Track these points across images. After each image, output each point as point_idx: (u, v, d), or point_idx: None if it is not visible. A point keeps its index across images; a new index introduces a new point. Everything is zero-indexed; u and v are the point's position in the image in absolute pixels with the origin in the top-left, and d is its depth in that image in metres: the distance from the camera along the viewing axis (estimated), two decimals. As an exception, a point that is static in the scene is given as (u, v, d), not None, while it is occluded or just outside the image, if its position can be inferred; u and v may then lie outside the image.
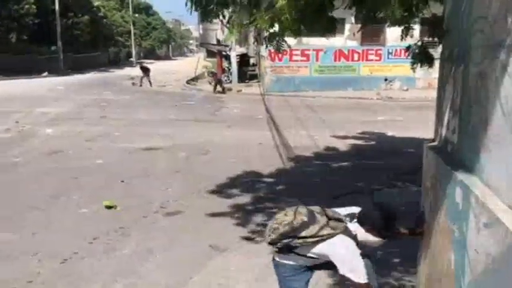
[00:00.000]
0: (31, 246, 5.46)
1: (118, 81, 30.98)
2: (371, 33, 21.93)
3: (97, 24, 46.55)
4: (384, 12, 3.69)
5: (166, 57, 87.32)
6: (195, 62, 38.15)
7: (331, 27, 4.66)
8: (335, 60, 23.79)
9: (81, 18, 42.07)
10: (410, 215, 3.66)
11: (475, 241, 2.41)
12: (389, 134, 12.58)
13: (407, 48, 4.25)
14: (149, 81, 27.41)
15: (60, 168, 9.00)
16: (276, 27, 3.88)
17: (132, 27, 63.52)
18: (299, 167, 9.25)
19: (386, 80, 23.66)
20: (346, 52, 23.60)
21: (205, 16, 4.42)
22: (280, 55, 23.15)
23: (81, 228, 6.05)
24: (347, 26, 21.93)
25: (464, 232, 2.58)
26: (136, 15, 71.32)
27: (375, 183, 8.12)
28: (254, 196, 7.26)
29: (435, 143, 3.72)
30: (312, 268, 3.48)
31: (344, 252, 3.18)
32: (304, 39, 22.27)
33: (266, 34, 4.25)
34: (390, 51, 22.88)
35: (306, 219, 3.25)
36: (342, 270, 3.18)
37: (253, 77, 28.23)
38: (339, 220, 3.31)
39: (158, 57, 78.52)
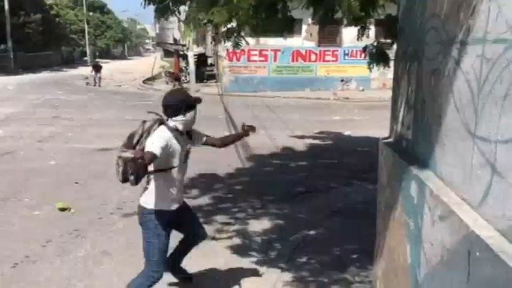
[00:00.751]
0: (-21, 251, 5.21)
1: (71, 80, 30.15)
2: (328, 34, 22.28)
3: (49, 22, 45.22)
4: (341, 9, 3.73)
5: (122, 57, 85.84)
6: (151, 62, 37.55)
7: (287, 26, 4.67)
8: (293, 60, 23.99)
9: (33, 17, 40.71)
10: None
11: (430, 234, 2.47)
12: (346, 133, 12.78)
13: (364, 48, 4.33)
14: (99, 79, 26.57)
15: (10, 170, 8.66)
16: (233, 23, 3.86)
17: (86, 26, 62.04)
18: (258, 166, 9.26)
19: (342, 80, 24.06)
20: (303, 53, 23.85)
21: (161, 12, 4.34)
22: (238, 55, 23.19)
23: (33, 231, 5.82)
24: (304, 27, 22.19)
25: (420, 225, 2.64)
26: (91, 13, 69.69)
27: (331, 181, 8.22)
28: (213, 196, 7.21)
29: (390, 139, 3.79)
30: None
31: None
32: (262, 40, 22.42)
33: (223, 29, 4.22)
34: (346, 52, 23.29)
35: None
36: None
37: (211, 77, 28.08)
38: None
39: (114, 57, 77.10)
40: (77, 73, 36.42)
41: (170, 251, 3.97)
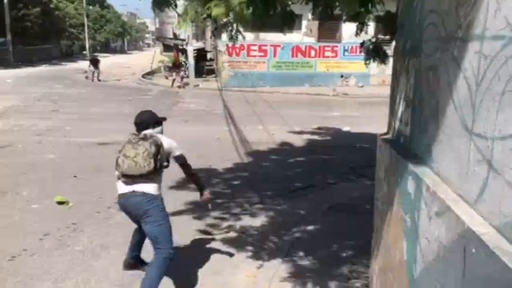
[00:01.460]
0: (-24, 244, 5.21)
1: (71, 74, 30.08)
2: (327, 30, 22.24)
3: (49, 15, 45.03)
4: (340, 6, 3.73)
5: (122, 51, 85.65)
6: (151, 56, 37.49)
7: (287, 21, 4.67)
8: (292, 56, 23.96)
9: (32, 10, 40.54)
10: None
11: (427, 230, 2.47)
12: (345, 129, 12.79)
13: (362, 44, 4.33)
14: (98, 74, 26.32)
15: (8, 163, 8.65)
16: (231, 17, 3.86)
17: (85, 20, 61.77)
18: (256, 161, 9.26)
19: (342, 76, 24.04)
20: (303, 48, 23.81)
21: (158, 5, 4.33)
22: (237, 50, 23.15)
23: (31, 225, 5.83)
24: (304, 23, 22.14)
25: (416, 221, 2.64)
26: (90, 7, 69.45)
27: (329, 177, 8.23)
28: (211, 191, 7.18)
29: (389, 135, 3.79)
30: None
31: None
32: (262, 35, 22.40)
33: (220, 23, 4.21)
34: (346, 48, 23.25)
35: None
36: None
37: (211, 72, 28.04)
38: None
39: (113, 51, 76.91)
40: (76, 67, 36.33)
41: None
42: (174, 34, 38.26)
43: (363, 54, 4.51)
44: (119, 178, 4.02)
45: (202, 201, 4.53)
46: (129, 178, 3.93)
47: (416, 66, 3.08)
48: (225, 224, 6.02)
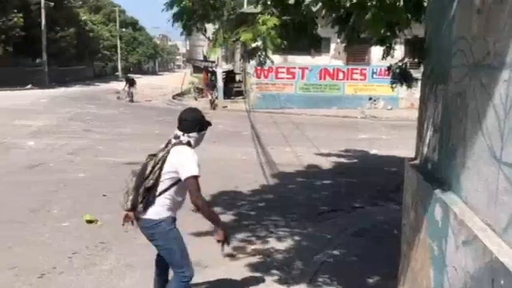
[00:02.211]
0: (8, 260, 5.33)
1: (103, 95, 30.81)
2: (356, 52, 22.25)
3: (83, 37, 46.46)
4: (366, 32, 3.76)
5: (153, 73, 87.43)
6: (181, 78, 38.14)
7: (314, 44, 4.72)
8: (320, 78, 24.02)
9: (67, 32, 41.90)
10: None
11: (454, 259, 2.43)
12: (372, 152, 12.68)
13: (389, 68, 4.33)
14: (132, 94, 26.95)
15: (41, 181, 8.87)
16: (259, 42, 3.92)
17: (118, 42, 63.53)
18: (282, 183, 9.25)
19: (370, 99, 23.93)
20: (331, 71, 23.86)
21: (186, 29, 4.44)
22: (265, 72, 23.36)
23: (61, 243, 5.94)
24: (332, 45, 22.22)
25: (444, 249, 2.60)
26: (123, 30, 71.36)
27: (356, 200, 8.15)
28: (236, 213, 7.23)
29: (416, 161, 3.76)
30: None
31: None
32: (290, 57, 22.59)
33: (249, 48, 4.28)
34: (375, 70, 23.18)
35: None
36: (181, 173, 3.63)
37: (239, 93, 28.32)
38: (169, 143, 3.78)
39: (145, 72, 78.57)
40: (109, 88, 37.22)
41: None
42: (204, 56, 38.89)
43: (389, 77, 4.50)
44: None
45: (215, 240, 3.93)
46: None
47: (444, 92, 3.07)
48: (250, 246, 6.01)
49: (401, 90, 4.45)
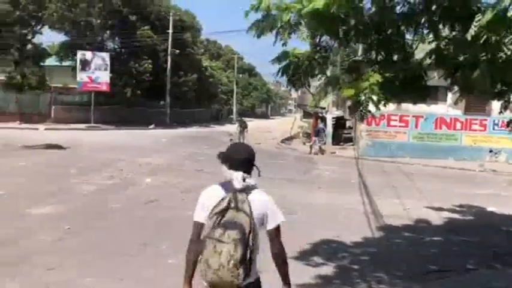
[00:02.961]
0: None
1: (218, 136, 32.33)
2: (475, 102, 21.10)
3: (203, 82, 49.59)
4: (476, 86, 3.61)
5: (265, 116, 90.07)
6: (291, 122, 38.85)
7: (423, 97, 4.62)
8: (436, 127, 23.12)
9: (190, 77, 45.07)
10: None
11: None
12: (490, 209, 11.73)
13: (508, 122, 4.09)
14: (243, 137, 27.91)
15: (153, 217, 9.44)
16: (362, 97, 3.93)
17: (235, 87, 66.85)
18: (388, 237, 8.88)
19: (491, 151, 22.38)
20: (448, 120, 22.84)
21: (291, 82, 4.60)
22: (377, 120, 22.98)
23: (165, 279, 6.22)
24: (449, 94, 21.31)
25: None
26: (240, 75, 75.05)
27: (469, 261, 7.55)
28: (338, 265, 7.05)
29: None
30: None
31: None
32: (403, 105, 22.01)
33: (349, 103, 4.31)
34: (496, 122, 21.74)
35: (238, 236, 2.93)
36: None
37: (348, 140, 28.09)
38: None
39: (257, 116, 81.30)
40: (223, 130, 39.04)
41: None
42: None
43: (508, 130, 4.23)
44: None
45: None
46: None
47: None
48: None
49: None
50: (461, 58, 4.11)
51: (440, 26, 4.01)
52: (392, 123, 23.31)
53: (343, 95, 3.66)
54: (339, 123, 28.92)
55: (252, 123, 41.19)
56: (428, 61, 4.39)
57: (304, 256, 7.10)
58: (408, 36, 4.33)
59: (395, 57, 3.98)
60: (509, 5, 3.28)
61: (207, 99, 55.41)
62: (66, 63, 38.52)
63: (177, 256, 7.07)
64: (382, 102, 3.92)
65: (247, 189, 3.07)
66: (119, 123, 34.97)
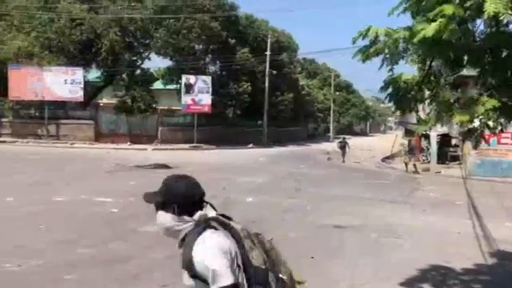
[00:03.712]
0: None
1: (314, 155, 32.32)
2: None
3: (300, 101, 49.95)
4: None
5: (363, 134, 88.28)
6: (392, 140, 37.72)
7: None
8: (555, 145, 21.20)
9: (286, 96, 45.64)
10: None
11: None
12: None
13: None
14: (344, 155, 27.99)
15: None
16: (476, 123, 3.78)
17: (332, 104, 66.40)
18: (502, 264, 8.28)
19: None
20: None
21: (400, 108, 4.55)
22: (487, 137, 21.59)
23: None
24: None
25: None
26: (337, 93, 74.46)
27: None
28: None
29: None
30: None
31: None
32: (516, 121, 20.52)
33: (463, 129, 4.15)
34: None
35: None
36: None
37: (454, 158, 26.66)
38: None
39: (355, 133, 79.94)
40: (320, 148, 38.91)
41: None
42: (418, 119, 37.83)
43: None
44: None
45: None
46: None
47: None
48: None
49: None
50: None
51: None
52: (503, 140, 21.74)
53: (456, 120, 3.55)
54: (444, 140, 27.54)
55: (351, 141, 40.59)
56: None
57: (411, 283, 6.84)
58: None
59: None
60: None
61: (304, 117, 55.63)
62: (171, 86, 40.82)
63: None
64: (499, 128, 3.73)
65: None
66: (219, 142, 36.29)
